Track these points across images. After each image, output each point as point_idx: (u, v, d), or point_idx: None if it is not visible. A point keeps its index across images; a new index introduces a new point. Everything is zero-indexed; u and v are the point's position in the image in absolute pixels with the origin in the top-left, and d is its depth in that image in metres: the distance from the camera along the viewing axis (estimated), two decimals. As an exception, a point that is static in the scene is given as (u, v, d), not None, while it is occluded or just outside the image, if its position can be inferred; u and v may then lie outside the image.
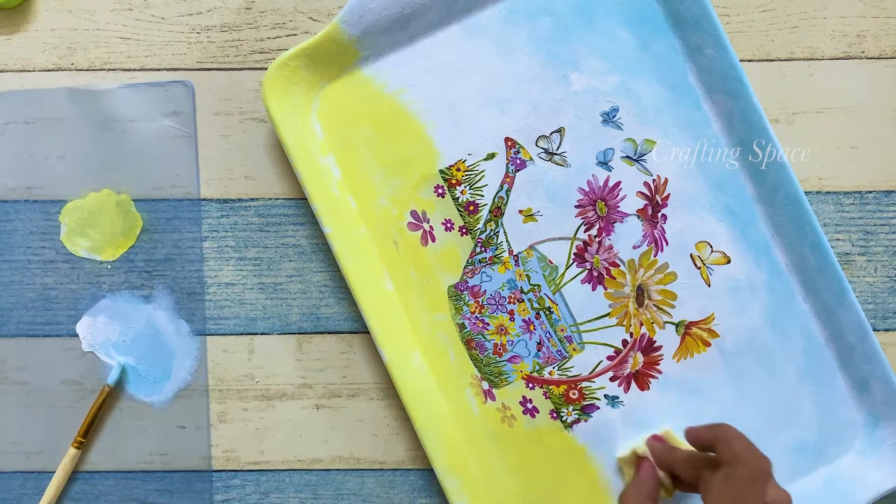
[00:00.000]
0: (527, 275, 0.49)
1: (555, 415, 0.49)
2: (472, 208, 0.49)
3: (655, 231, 0.48)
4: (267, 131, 0.51)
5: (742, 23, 0.51)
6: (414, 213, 0.49)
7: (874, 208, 0.50)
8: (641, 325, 0.48)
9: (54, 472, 0.50)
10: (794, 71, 0.51)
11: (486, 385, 0.49)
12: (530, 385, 0.49)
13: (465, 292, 0.49)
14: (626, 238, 0.49)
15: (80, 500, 0.51)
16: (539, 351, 0.49)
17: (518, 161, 0.49)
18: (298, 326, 0.51)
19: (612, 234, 0.49)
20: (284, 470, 0.51)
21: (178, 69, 0.51)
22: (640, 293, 0.48)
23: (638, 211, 0.49)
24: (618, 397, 0.48)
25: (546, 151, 0.49)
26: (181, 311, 0.51)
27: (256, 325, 0.51)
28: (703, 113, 0.48)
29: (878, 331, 0.50)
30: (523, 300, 0.49)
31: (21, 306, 0.51)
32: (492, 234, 0.49)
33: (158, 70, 0.51)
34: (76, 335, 0.51)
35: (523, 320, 0.49)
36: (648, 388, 0.48)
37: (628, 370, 0.48)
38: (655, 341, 0.48)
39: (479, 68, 0.49)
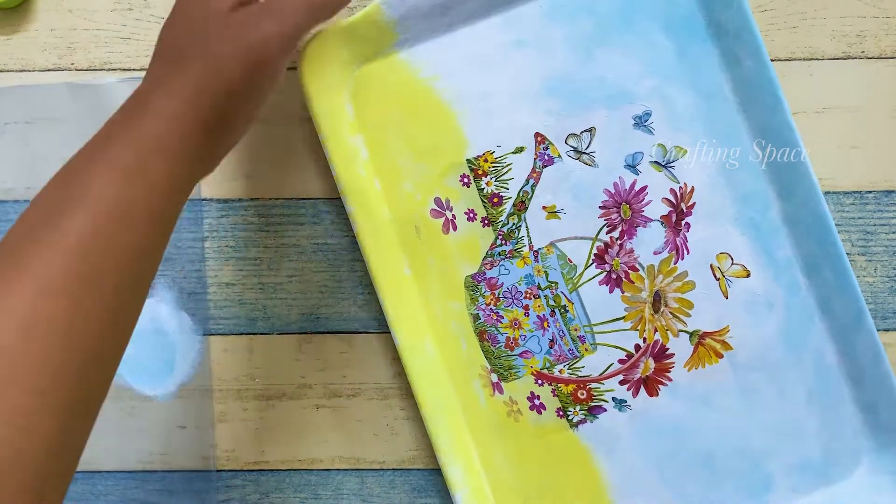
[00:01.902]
0: (545, 271, 0.49)
1: (561, 413, 0.49)
2: (496, 200, 0.49)
3: (678, 239, 0.48)
4: (267, 131, 0.51)
5: None
6: (437, 201, 0.49)
7: (874, 208, 0.50)
8: (655, 331, 0.48)
9: None
10: (794, 71, 0.50)
11: (495, 377, 0.49)
12: (539, 381, 0.49)
13: (482, 283, 0.49)
14: (648, 243, 0.48)
15: (80, 500, 0.51)
16: (551, 348, 0.49)
17: (546, 157, 0.49)
18: (298, 326, 0.51)
19: (634, 237, 0.49)
20: (284, 470, 0.51)
21: None
22: (657, 299, 0.48)
23: (662, 217, 0.48)
24: (626, 401, 0.48)
25: (575, 150, 0.49)
26: (183, 307, 0.51)
27: (256, 325, 0.51)
28: (736, 125, 0.48)
29: (879, 331, 0.50)
30: (539, 296, 0.49)
31: None
32: (514, 227, 0.49)
33: None
34: None
35: (538, 316, 0.49)
36: (657, 395, 0.48)
37: (639, 375, 0.48)
38: (668, 349, 0.48)
39: (516, 62, 0.49)
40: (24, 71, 0.52)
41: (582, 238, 0.49)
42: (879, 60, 0.50)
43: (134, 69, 0.51)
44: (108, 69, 0.51)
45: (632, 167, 0.49)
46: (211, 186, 0.51)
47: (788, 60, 0.50)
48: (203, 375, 0.50)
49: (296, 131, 0.51)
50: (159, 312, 0.51)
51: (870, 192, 0.50)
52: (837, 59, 0.50)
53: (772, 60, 0.48)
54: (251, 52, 0.37)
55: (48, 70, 0.51)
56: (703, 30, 0.48)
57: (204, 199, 0.51)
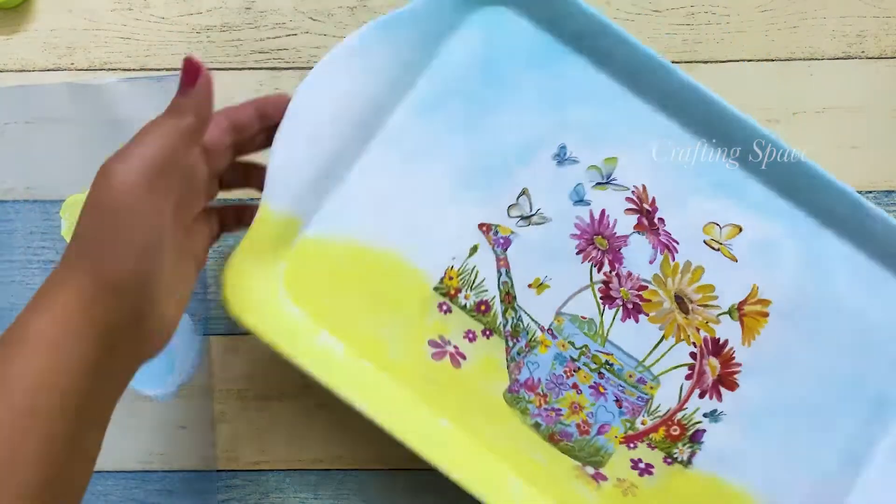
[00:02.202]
0: (569, 342, 0.46)
1: (669, 460, 0.45)
2: (483, 308, 0.46)
3: (661, 237, 0.47)
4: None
5: (742, 23, 0.51)
6: (432, 342, 0.46)
7: (875, 207, 0.51)
8: (698, 330, 0.46)
9: None
10: (794, 71, 0.51)
11: (590, 470, 0.45)
12: (631, 445, 0.46)
13: (521, 391, 0.46)
14: (640, 257, 0.47)
15: None
16: (621, 408, 0.46)
17: (501, 241, 0.46)
18: (298, 326, 0.49)
19: (624, 260, 0.47)
20: (284, 470, 0.50)
21: (178, 69, 0.49)
22: (681, 301, 0.46)
23: (635, 227, 0.47)
24: (716, 410, 0.46)
25: (522, 217, 0.47)
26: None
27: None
28: (645, 109, 0.47)
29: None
30: (580, 368, 0.46)
31: (21, 306, 0.47)
32: (515, 321, 0.46)
33: (158, 70, 0.51)
34: None
35: (590, 387, 0.46)
36: (738, 386, 0.46)
37: (711, 379, 0.46)
38: (720, 338, 0.46)
39: (418, 174, 0.46)
40: (24, 71, 0.52)
41: (580, 291, 0.46)
42: (879, 60, 0.51)
43: (134, 69, 0.52)
44: (108, 69, 0.52)
45: (581, 201, 0.47)
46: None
47: (788, 60, 0.51)
48: (203, 375, 0.50)
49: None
50: None
51: (870, 191, 0.51)
52: (837, 59, 0.51)
53: (771, 60, 0.49)
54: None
55: (48, 70, 0.52)
56: (562, 47, 0.47)
57: None
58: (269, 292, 0.44)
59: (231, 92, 0.51)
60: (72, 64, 0.52)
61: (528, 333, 0.46)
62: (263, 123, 0.41)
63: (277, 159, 0.43)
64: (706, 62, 0.51)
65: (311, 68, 0.48)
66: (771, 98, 0.50)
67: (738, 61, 0.51)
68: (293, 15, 0.51)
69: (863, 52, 0.51)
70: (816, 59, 0.51)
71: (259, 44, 0.51)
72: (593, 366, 0.46)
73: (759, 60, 0.51)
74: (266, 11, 0.51)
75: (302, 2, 0.51)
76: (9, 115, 0.51)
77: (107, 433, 0.46)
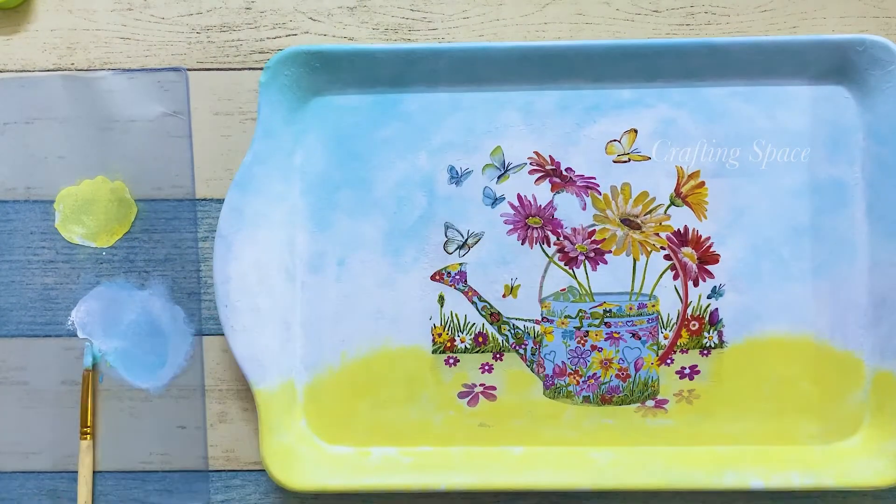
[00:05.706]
0: (565, 316, 0.49)
1: (705, 352, 0.48)
2: (481, 339, 0.49)
3: (578, 183, 0.49)
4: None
5: (742, 23, 0.51)
6: (461, 394, 0.49)
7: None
8: (658, 234, 0.49)
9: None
10: None
11: (650, 403, 0.48)
12: (669, 361, 0.49)
13: (555, 382, 0.49)
14: (572, 211, 0.49)
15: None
16: (640, 339, 0.48)
17: (457, 276, 0.49)
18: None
19: (563, 221, 0.49)
20: None
21: (178, 69, 0.52)
22: (629, 222, 0.49)
23: (552, 189, 0.49)
24: (715, 287, 0.49)
25: (459, 247, 0.49)
26: (178, 303, 0.51)
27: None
28: (490, 95, 0.49)
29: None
30: (587, 331, 0.49)
31: (21, 306, 0.51)
32: (513, 332, 0.49)
33: (158, 70, 0.51)
34: (76, 335, 0.51)
35: (605, 339, 0.49)
36: (719, 256, 0.48)
37: (694, 265, 0.49)
38: (679, 229, 0.49)
39: (351, 271, 0.49)
40: (24, 71, 0.52)
41: (546, 271, 0.49)
42: None
43: (134, 69, 0.51)
44: (108, 69, 0.52)
45: (496, 200, 0.49)
46: (211, 186, 0.51)
47: None
48: (202, 375, 0.50)
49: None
50: (152, 305, 0.50)
51: None
52: None
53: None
54: None
55: (48, 70, 0.52)
56: (391, 96, 0.49)
57: (203, 200, 0.51)
58: (308, 451, 0.48)
59: (231, 92, 0.51)
60: (72, 64, 0.52)
61: (529, 334, 0.49)
62: None
63: (240, 348, 0.46)
64: None
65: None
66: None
67: None
68: (293, 15, 0.51)
69: None
70: None
71: (259, 44, 0.51)
72: (596, 322, 0.49)
73: None
74: (266, 11, 0.51)
75: (302, 2, 0.51)
76: (9, 115, 0.51)
77: (107, 433, 0.50)
